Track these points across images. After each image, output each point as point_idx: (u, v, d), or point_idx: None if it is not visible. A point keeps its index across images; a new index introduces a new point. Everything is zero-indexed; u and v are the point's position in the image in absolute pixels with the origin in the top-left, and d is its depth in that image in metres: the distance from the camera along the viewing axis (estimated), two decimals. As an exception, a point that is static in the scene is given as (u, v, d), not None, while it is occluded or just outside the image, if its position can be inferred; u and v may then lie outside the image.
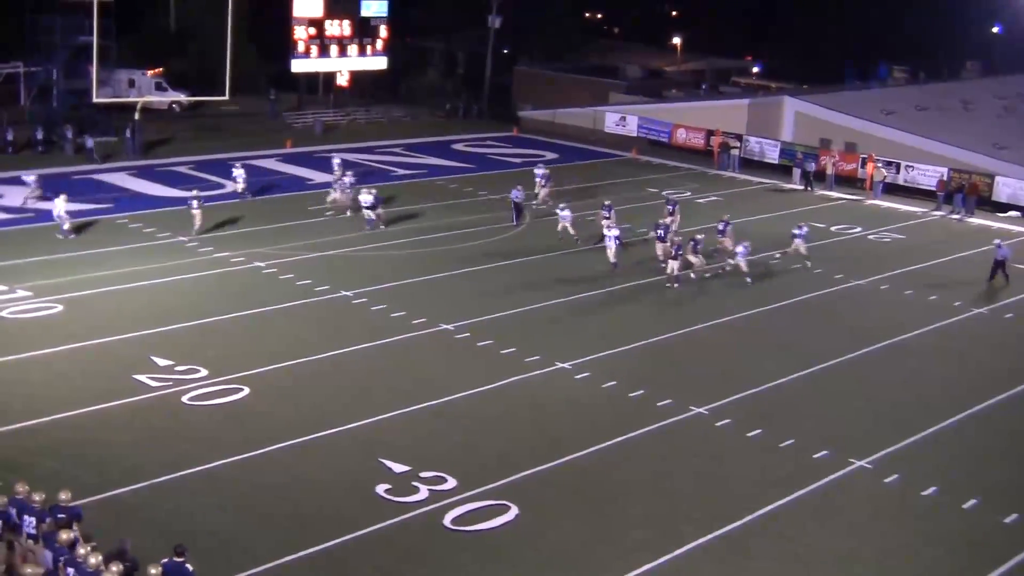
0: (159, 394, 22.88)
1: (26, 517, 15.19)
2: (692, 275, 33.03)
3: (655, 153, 55.21)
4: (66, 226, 33.98)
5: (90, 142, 45.53)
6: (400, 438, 21.52)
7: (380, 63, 60.45)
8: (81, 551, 14.29)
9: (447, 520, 18.53)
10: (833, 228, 41.11)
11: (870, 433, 23.05)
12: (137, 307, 28.21)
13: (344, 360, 25.49)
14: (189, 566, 14.72)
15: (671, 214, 37.29)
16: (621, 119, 58.86)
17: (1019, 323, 31.50)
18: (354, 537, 17.88)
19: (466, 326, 27.91)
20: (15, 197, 37.94)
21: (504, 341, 26.89)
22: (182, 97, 58.65)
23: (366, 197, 37.11)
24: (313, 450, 20.89)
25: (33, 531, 15.11)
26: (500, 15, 65.67)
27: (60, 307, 27.80)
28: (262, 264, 32.39)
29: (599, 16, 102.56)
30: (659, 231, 33.97)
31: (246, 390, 23.28)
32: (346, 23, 57.88)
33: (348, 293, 30.09)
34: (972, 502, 20.33)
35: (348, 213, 38.39)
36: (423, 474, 19.91)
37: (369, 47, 59.22)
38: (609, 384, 24.75)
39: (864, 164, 49.39)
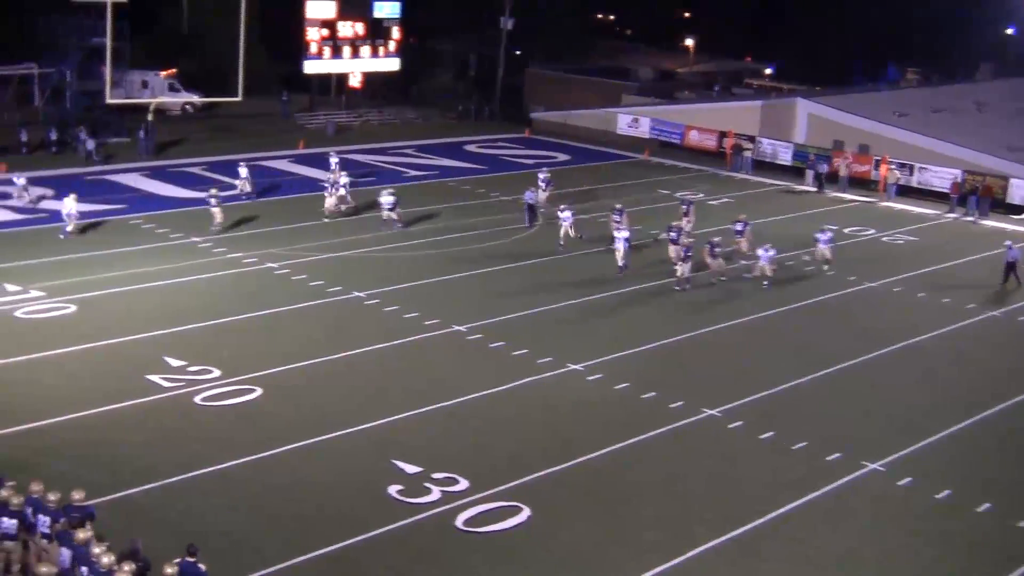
0: (172, 394, 22.92)
1: (40, 516, 15.23)
2: (712, 280, 32.93)
3: (667, 155, 55.11)
4: (69, 227, 33.94)
5: (91, 144, 45.56)
6: (412, 439, 21.53)
7: (393, 64, 60.51)
8: (95, 550, 14.32)
9: (459, 521, 18.52)
10: (847, 230, 40.98)
11: (883, 435, 22.98)
12: (150, 307, 28.26)
13: (356, 361, 25.51)
14: (202, 566, 14.77)
15: (685, 215, 37.28)
16: (633, 121, 58.79)
17: (1033, 326, 31.41)
18: (366, 538, 17.88)
19: (478, 327, 27.91)
20: (27, 198, 38.01)
21: (516, 342, 26.89)
22: (195, 98, 58.75)
23: (387, 198, 37.11)
24: (325, 451, 20.90)
25: (47, 530, 15.15)
26: (512, 17, 65.66)
27: (73, 307, 27.87)
28: (275, 265, 32.44)
29: (611, 18, 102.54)
30: (672, 233, 33.90)
31: (259, 391, 23.31)
32: (359, 24, 57.98)
33: (361, 294, 30.11)
34: (986, 505, 20.24)
35: (343, 208, 38.17)
36: (435, 475, 19.91)
37: (381, 48, 59.30)
38: (621, 386, 24.72)
39: (877, 166, 49.31)
